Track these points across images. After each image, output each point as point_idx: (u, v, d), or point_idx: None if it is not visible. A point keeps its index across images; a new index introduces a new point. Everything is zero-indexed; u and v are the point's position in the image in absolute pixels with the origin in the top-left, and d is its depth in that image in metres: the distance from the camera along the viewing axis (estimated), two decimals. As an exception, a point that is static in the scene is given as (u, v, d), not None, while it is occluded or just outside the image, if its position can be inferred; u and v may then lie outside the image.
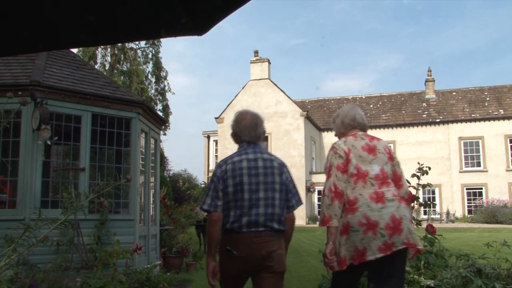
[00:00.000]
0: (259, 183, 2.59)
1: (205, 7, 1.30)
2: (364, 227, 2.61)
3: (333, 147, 2.86)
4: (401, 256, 2.68)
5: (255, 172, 2.60)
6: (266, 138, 24.83)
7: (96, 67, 20.91)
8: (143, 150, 6.99)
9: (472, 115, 26.82)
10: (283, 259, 2.61)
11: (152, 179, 7.30)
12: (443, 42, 74.01)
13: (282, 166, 2.72)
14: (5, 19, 1.31)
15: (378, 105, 29.86)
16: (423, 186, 4.74)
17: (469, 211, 25.58)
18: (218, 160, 25.27)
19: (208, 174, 29.59)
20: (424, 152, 26.53)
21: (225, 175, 2.59)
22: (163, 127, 12.84)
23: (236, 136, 2.77)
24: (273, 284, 2.56)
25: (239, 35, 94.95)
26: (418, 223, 4.61)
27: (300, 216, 22.54)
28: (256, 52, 26.43)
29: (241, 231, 2.52)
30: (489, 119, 26.37)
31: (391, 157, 2.86)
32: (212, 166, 29.93)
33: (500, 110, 26.56)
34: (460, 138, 26.53)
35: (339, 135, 3.04)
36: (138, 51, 24.72)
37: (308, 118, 25.60)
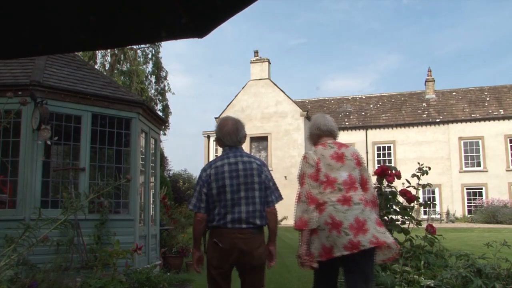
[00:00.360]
0: (240, 184, 2.89)
1: (205, 9, 1.29)
2: (329, 226, 2.84)
3: (304, 157, 3.07)
4: (370, 255, 2.88)
5: (235, 175, 2.90)
6: (265, 139, 24.85)
7: (96, 67, 20.90)
8: (143, 150, 6.99)
9: (472, 115, 26.83)
10: (263, 256, 2.93)
11: (152, 179, 7.30)
12: (443, 42, 74.04)
13: (262, 166, 3.00)
14: (6, 22, 1.31)
15: (378, 105, 29.86)
16: (423, 186, 4.74)
17: (469, 211, 25.58)
18: (218, 160, 25.32)
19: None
20: (424, 152, 26.53)
21: (209, 179, 2.91)
22: (163, 127, 12.84)
23: (220, 141, 3.07)
24: (255, 277, 2.94)
25: (239, 35, 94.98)
26: (418, 223, 4.61)
27: (300, 216, 22.53)
28: (256, 52, 26.43)
29: (226, 227, 2.84)
30: (489, 119, 26.38)
31: (359, 163, 3.08)
32: (212, 166, 29.87)
33: (500, 110, 26.57)
34: (460, 138, 26.54)
35: (313, 145, 3.25)
36: (138, 51, 24.72)
37: (308, 118, 25.58)
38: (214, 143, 29.56)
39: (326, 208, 2.87)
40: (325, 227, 2.85)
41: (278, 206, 3.03)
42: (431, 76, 29.90)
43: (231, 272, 2.94)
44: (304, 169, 3.01)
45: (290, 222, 22.21)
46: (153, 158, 7.37)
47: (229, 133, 3.01)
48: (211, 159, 29.99)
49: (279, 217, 3.58)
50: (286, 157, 24.35)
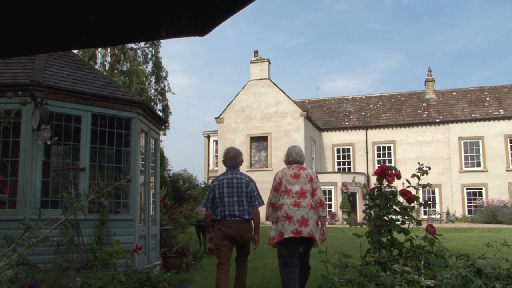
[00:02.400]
0: (233, 192, 4.52)
1: (207, 7, 1.29)
2: (284, 218, 4.39)
3: (275, 175, 4.71)
4: (309, 241, 4.44)
5: (231, 186, 4.54)
6: (265, 139, 24.92)
7: (96, 67, 20.89)
8: (143, 150, 6.99)
9: (472, 115, 26.83)
10: (250, 237, 4.60)
11: (152, 179, 7.30)
12: (443, 42, 74.03)
13: (249, 181, 4.65)
14: (5, 20, 1.31)
15: (378, 105, 29.86)
16: (423, 186, 4.73)
17: (469, 211, 25.57)
18: (218, 160, 25.71)
19: (208, 174, 29.66)
20: (424, 152, 26.53)
21: (214, 188, 4.59)
22: (163, 127, 12.84)
23: (224, 163, 4.74)
24: (245, 250, 4.66)
25: (239, 35, 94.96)
26: (418, 223, 4.61)
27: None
28: (256, 52, 26.43)
29: (226, 219, 4.47)
30: (489, 119, 26.37)
31: (311, 180, 4.60)
32: (212, 166, 29.96)
33: (500, 110, 26.56)
34: (460, 138, 26.53)
35: (286, 165, 4.82)
36: (138, 51, 24.71)
37: (308, 118, 25.59)
38: (214, 143, 29.65)
39: (283, 207, 4.45)
40: (282, 219, 4.40)
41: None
42: (431, 76, 29.90)
43: (231, 247, 4.53)
44: (273, 183, 4.69)
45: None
46: (153, 158, 7.36)
47: (230, 158, 4.68)
48: (211, 158, 30.11)
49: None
50: (286, 157, 24.31)
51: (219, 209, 4.46)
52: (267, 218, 4.72)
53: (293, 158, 4.76)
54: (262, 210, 4.71)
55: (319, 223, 4.52)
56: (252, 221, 4.58)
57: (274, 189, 4.63)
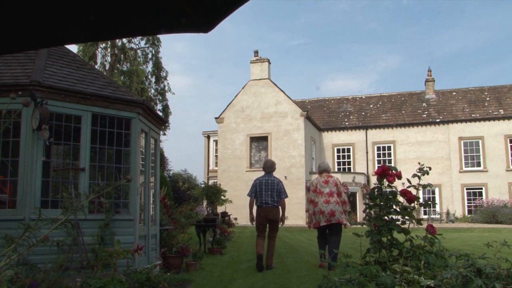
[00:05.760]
0: (268, 188, 7.11)
1: (211, 3, 1.27)
2: (319, 212, 6.78)
3: (312, 181, 7.21)
4: (337, 225, 6.79)
5: (266, 184, 7.17)
6: (265, 139, 24.91)
7: (96, 67, 20.88)
8: (143, 150, 6.98)
9: (472, 115, 26.82)
10: (278, 217, 7.19)
11: (152, 179, 7.29)
12: (443, 42, 74.02)
13: (279, 182, 7.26)
14: (2, 14, 1.30)
15: (378, 105, 29.85)
16: (424, 186, 4.72)
17: (469, 211, 25.57)
18: (218, 160, 25.82)
19: (208, 174, 29.64)
20: (424, 152, 26.53)
21: (256, 184, 7.20)
22: (163, 127, 12.83)
23: (264, 169, 7.43)
24: (274, 226, 7.25)
25: (239, 36, 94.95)
26: (419, 221, 4.61)
27: (300, 216, 22.51)
28: (256, 52, 26.42)
29: (262, 206, 7.11)
30: (489, 119, 26.37)
31: (336, 184, 6.96)
32: (212, 166, 29.96)
33: (500, 110, 26.56)
34: (460, 138, 26.53)
35: (318, 174, 7.23)
36: (138, 51, 24.72)
37: (308, 118, 25.58)
38: (214, 143, 29.65)
39: (318, 205, 6.82)
40: (318, 213, 6.80)
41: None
42: (431, 76, 29.89)
43: (265, 224, 7.18)
44: (309, 186, 7.26)
45: (289, 222, 22.18)
46: (153, 158, 7.36)
47: (268, 166, 7.36)
48: (211, 158, 30.13)
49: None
50: (286, 157, 24.33)
51: (257, 198, 7.11)
52: (307, 211, 7.15)
53: (323, 168, 7.20)
54: (287, 201, 7.38)
55: (343, 213, 6.83)
56: (280, 207, 7.12)
57: (312, 190, 7.01)
